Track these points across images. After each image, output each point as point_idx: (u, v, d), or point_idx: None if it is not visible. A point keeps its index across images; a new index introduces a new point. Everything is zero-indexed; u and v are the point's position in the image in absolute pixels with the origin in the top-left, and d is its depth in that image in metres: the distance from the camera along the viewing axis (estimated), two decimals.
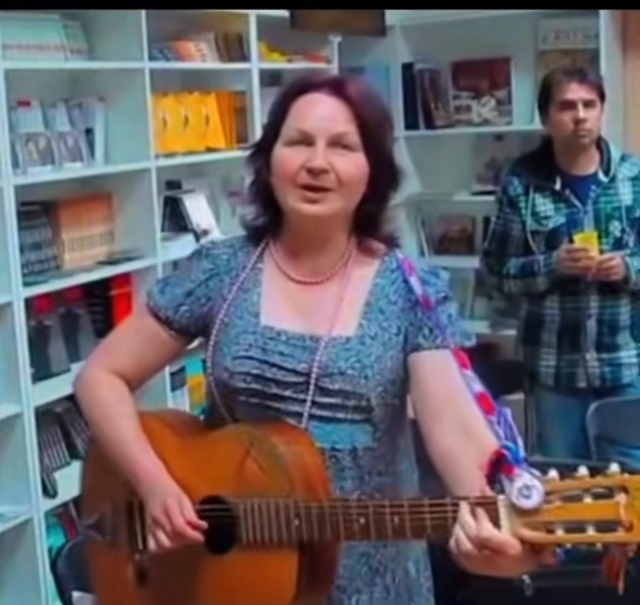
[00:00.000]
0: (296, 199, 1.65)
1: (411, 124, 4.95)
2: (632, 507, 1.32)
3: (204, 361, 1.77)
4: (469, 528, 1.38)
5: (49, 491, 3.09)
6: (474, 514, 1.39)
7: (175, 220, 3.77)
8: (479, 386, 1.61)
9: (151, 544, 1.67)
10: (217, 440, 1.69)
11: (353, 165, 1.65)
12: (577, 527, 1.34)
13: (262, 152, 1.71)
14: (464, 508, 1.40)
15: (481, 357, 4.99)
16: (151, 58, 3.44)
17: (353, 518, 1.50)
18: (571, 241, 3.29)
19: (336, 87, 1.67)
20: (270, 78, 4.29)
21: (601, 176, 3.34)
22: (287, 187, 1.65)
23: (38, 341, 3.14)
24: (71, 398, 1.78)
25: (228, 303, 1.73)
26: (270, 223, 1.75)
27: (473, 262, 3.96)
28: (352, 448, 1.68)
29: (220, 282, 1.75)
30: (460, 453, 1.56)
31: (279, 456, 1.59)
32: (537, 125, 3.46)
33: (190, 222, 3.76)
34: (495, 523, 1.37)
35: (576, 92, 3.25)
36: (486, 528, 1.37)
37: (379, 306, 1.70)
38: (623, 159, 3.38)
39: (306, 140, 1.64)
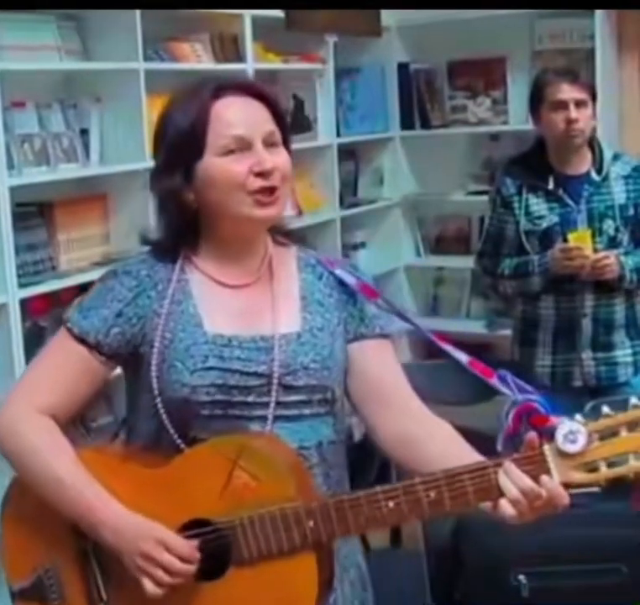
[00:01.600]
0: (249, 206, 1.62)
1: (406, 124, 4.96)
2: None
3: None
4: (524, 483, 1.44)
5: None
6: (523, 469, 1.45)
7: None
8: (465, 356, 1.74)
9: (148, 587, 1.54)
10: (190, 462, 1.60)
11: (286, 159, 1.67)
12: (619, 460, 1.43)
13: (178, 169, 1.65)
14: (512, 465, 1.46)
15: (477, 357, 4.95)
16: (146, 59, 3.44)
17: (380, 505, 1.50)
18: (565, 240, 3.30)
19: (247, 89, 1.67)
20: (265, 78, 4.29)
21: (594, 176, 3.34)
22: (238, 196, 1.62)
23: (33, 342, 3.13)
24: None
25: (165, 318, 1.66)
26: (186, 235, 1.70)
27: (469, 262, 3.96)
28: (318, 443, 1.67)
29: (148, 299, 1.68)
30: (420, 433, 1.64)
31: (272, 462, 1.56)
32: (532, 125, 3.46)
33: None
34: (546, 472, 1.45)
35: (567, 92, 3.26)
36: (544, 480, 1.44)
37: (315, 299, 1.72)
38: (616, 158, 3.39)
39: (242, 146, 1.62)
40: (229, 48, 3.91)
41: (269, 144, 1.64)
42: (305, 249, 1.80)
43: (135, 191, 3.41)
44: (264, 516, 1.53)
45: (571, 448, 1.43)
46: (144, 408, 1.67)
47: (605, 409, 1.44)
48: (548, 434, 1.46)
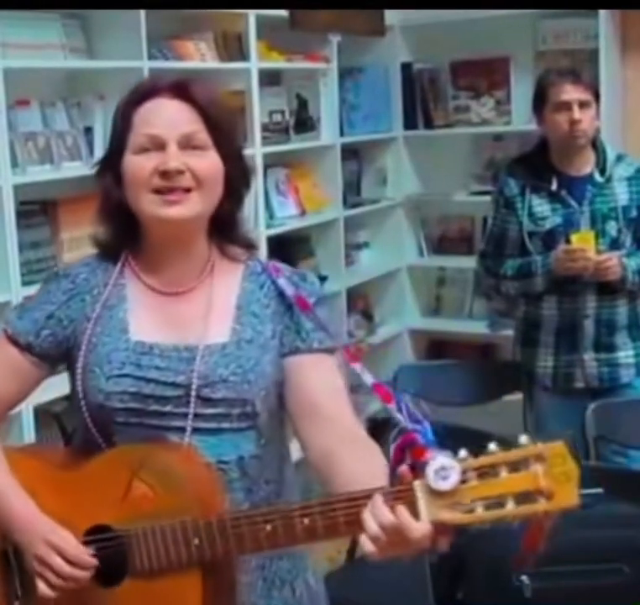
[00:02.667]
0: (153, 204, 1.60)
1: (410, 124, 4.95)
2: (550, 475, 1.29)
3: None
4: (384, 519, 1.33)
5: None
6: (389, 505, 1.34)
7: None
8: (370, 378, 1.60)
9: (41, 588, 1.58)
10: (97, 467, 1.62)
11: (208, 163, 1.62)
12: (497, 503, 1.30)
13: (109, 168, 1.67)
14: (378, 499, 1.35)
15: (479, 358, 4.96)
16: (150, 57, 3.44)
17: (259, 527, 1.44)
18: (568, 241, 3.30)
19: (178, 90, 1.64)
20: (269, 78, 4.29)
21: (597, 177, 3.34)
22: (141, 194, 1.61)
23: None
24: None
25: (94, 323, 1.66)
26: (125, 238, 1.70)
27: (471, 262, 3.96)
28: (238, 458, 1.64)
29: (82, 302, 1.69)
30: (342, 453, 1.54)
31: (171, 475, 1.54)
32: (535, 125, 3.46)
33: None
34: (413, 509, 1.33)
35: (571, 93, 3.26)
36: (405, 518, 1.32)
37: (251, 309, 1.68)
38: (619, 159, 3.39)
39: (156, 145, 1.61)
40: (233, 47, 3.91)
41: (188, 145, 1.61)
42: (256, 257, 1.75)
43: None
44: (156, 529, 1.52)
45: (442, 485, 1.31)
46: (78, 411, 1.67)
47: (491, 446, 1.33)
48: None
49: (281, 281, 1.69)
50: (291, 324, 1.68)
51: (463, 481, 1.31)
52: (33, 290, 3.03)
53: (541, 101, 3.34)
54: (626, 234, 3.37)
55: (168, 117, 1.62)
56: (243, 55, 3.93)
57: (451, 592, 2.68)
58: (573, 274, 3.28)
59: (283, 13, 4.04)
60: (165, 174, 1.59)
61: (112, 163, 1.66)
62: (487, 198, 3.76)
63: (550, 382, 3.47)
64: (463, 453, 1.34)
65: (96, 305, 1.68)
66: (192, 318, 1.66)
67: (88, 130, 3.38)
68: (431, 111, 4.95)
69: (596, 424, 3.21)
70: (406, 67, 4.92)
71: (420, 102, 4.95)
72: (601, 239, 3.32)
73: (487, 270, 3.54)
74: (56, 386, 2.97)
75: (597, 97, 3.35)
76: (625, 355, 3.43)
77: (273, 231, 4.15)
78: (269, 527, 1.44)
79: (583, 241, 3.26)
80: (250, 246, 1.75)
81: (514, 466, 1.31)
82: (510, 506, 1.29)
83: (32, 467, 1.68)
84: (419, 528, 1.32)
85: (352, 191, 4.92)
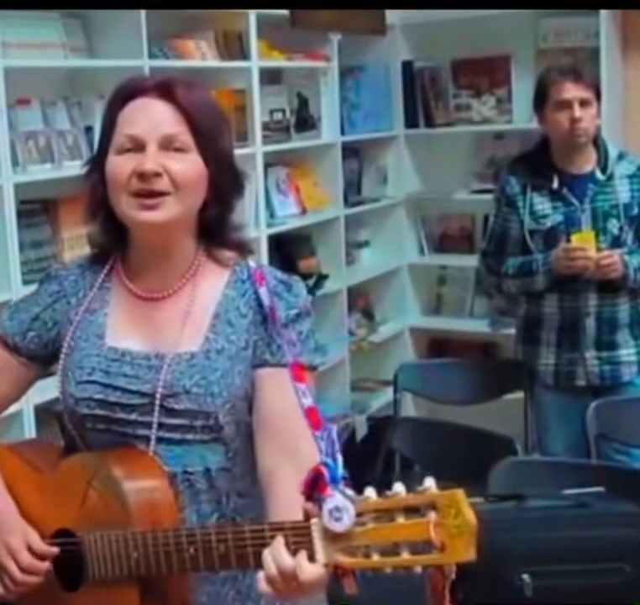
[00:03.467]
0: (131, 207, 1.57)
1: (410, 123, 4.95)
2: (443, 526, 1.22)
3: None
4: (282, 561, 1.29)
5: None
6: (288, 546, 1.30)
7: None
8: (309, 401, 1.51)
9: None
10: (65, 471, 1.63)
11: (187, 166, 1.58)
12: (391, 550, 1.23)
13: (96, 167, 1.64)
14: (280, 541, 1.31)
15: (481, 356, 4.96)
16: (151, 56, 3.43)
17: (183, 548, 1.42)
18: (569, 240, 3.30)
19: (163, 90, 1.60)
20: (269, 76, 4.29)
21: (599, 175, 3.34)
22: (121, 196, 1.58)
23: None
24: None
25: (75, 326, 1.66)
26: (114, 239, 1.68)
27: (472, 261, 3.96)
28: (205, 469, 1.61)
29: (67, 305, 1.69)
30: (283, 474, 1.49)
31: (117, 485, 1.53)
32: (536, 124, 3.46)
33: None
34: (310, 550, 1.28)
35: (572, 91, 3.26)
36: (300, 560, 1.28)
37: (227, 318, 1.63)
38: (620, 157, 3.39)
39: (137, 146, 1.58)
40: (234, 45, 3.91)
41: (169, 147, 1.58)
42: (244, 262, 1.69)
43: None
44: (105, 538, 1.51)
45: (335, 526, 1.25)
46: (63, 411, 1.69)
47: (397, 487, 1.25)
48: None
49: (262, 291, 1.63)
50: (265, 336, 1.62)
51: (361, 524, 1.25)
52: (33, 289, 3.06)
53: (542, 99, 3.34)
54: (627, 232, 3.37)
55: (150, 117, 1.59)
56: (243, 54, 3.93)
57: (451, 591, 2.68)
58: (573, 273, 3.28)
59: (284, 11, 4.03)
60: (141, 176, 1.56)
61: (99, 162, 1.64)
62: (488, 197, 3.76)
63: (552, 381, 3.47)
64: (369, 491, 1.27)
65: (79, 308, 1.68)
66: (168, 325, 1.63)
67: (89, 129, 3.37)
68: (432, 109, 4.95)
69: (598, 423, 3.21)
70: (406, 66, 4.92)
71: (421, 100, 4.94)
72: (603, 237, 3.32)
73: (488, 268, 3.54)
74: (57, 386, 2.97)
75: (598, 95, 3.35)
76: (626, 353, 3.43)
77: (274, 230, 4.15)
78: (191, 549, 1.41)
79: (583, 241, 3.26)
80: (243, 249, 1.70)
81: (410, 513, 1.23)
82: (405, 554, 1.23)
83: (16, 464, 1.70)
84: (312, 571, 1.28)
85: (353, 189, 4.92)
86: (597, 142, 3.38)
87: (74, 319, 1.67)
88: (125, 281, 1.68)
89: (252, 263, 1.69)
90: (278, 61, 4.22)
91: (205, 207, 1.63)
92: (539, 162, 3.40)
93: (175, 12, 3.59)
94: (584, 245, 3.25)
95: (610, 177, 3.34)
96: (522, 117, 4.68)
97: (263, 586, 1.31)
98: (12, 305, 1.78)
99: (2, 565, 1.60)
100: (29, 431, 2.97)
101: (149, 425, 1.60)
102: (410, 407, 4.56)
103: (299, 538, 1.30)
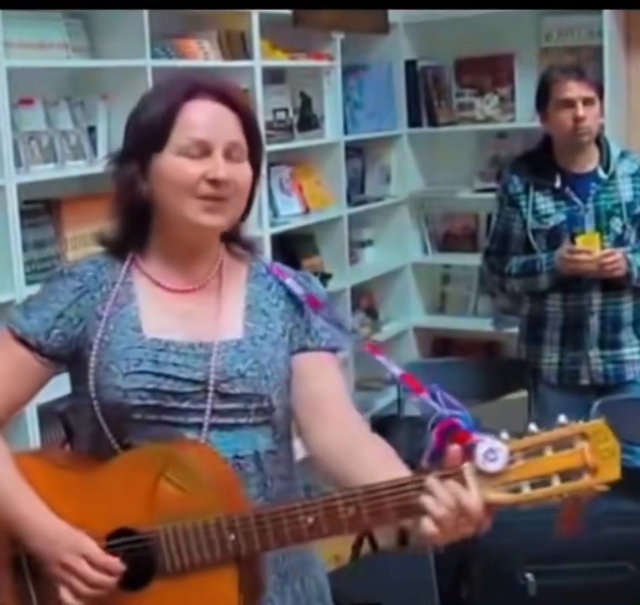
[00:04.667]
0: (196, 211, 1.60)
1: (414, 122, 4.95)
2: (596, 450, 1.38)
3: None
4: (449, 502, 1.38)
5: None
6: (445, 485, 1.39)
7: None
8: (398, 370, 1.65)
9: (64, 596, 1.55)
10: (117, 470, 1.60)
11: (246, 174, 1.64)
12: (542, 481, 1.37)
13: (136, 160, 1.63)
14: (435, 481, 1.40)
15: (484, 355, 4.96)
16: (153, 56, 3.44)
17: (299, 520, 1.46)
18: (572, 239, 3.29)
19: (223, 95, 1.63)
20: (272, 76, 4.29)
21: (601, 174, 3.34)
22: (185, 199, 1.60)
23: None
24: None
25: (105, 321, 1.65)
26: (135, 234, 1.69)
27: (476, 260, 3.96)
28: (254, 453, 1.65)
29: (91, 300, 1.67)
30: (352, 447, 1.58)
31: (197, 473, 1.54)
32: (539, 123, 3.45)
33: None
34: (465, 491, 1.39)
35: (574, 90, 3.25)
36: (467, 495, 1.38)
37: (260, 308, 1.70)
38: (623, 155, 3.39)
39: (203, 150, 1.60)
40: (236, 45, 3.91)
41: (231, 155, 1.61)
42: (258, 258, 1.78)
43: None
44: (188, 528, 1.52)
45: (491, 467, 1.38)
46: (85, 411, 1.66)
47: (532, 427, 1.40)
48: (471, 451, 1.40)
49: (289, 282, 1.72)
50: (301, 323, 1.71)
51: (510, 462, 1.37)
52: (37, 289, 3.06)
53: (544, 98, 3.33)
54: (630, 231, 3.36)
55: (215, 123, 1.61)
56: (246, 54, 3.93)
57: (456, 590, 2.68)
58: (577, 274, 3.28)
59: (286, 11, 4.03)
60: (213, 182, 1.59)
61: (141, 155, 1.63)
62: (491, 196, 3.76)
63: (555, 379, 3.46)
64: (505, 435, 1.39)
65: (106, 303, 1.66)
66: (201, 316, 1.67)
67: (92, 129, 3.38)
68: (435, 108, 4.95)
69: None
70: (409, 65, 4.92)
71: (424, 99, 4.95)
72: (606, 236, 3.32)
73: (492, 267, 3.54)
74: (60, 385, 3.00)
75: (601, 94, 3.35)
76: (630, 351, 3.42)
77: (277, 229, 4.15)
78: (311, 519, 1.46)
79: (588, 243, 3.25)
80: (250, 247, 1.77)
81: (558, 445, 1.37)
82: (556, 483, 1.36)
83: (43, 472, 1.65)
84: (475, 507, 1.38)
85: (356, 188, 4.92)
86: (600, 141, 3.38)
87: (102, 314, 1.66)
88: (152, 275, 1.69)
89: (264, 259, 1.78)
90: (281, 61, 4.23)
91: None
92: (542, 161, 3.39)
93: (177, 12, 3.60)
94: (589, 247, 3.24)
95: (612, 176, 3.34)
96: (525, 116, 4.68)
97: (431, 528, 1.39)
98: (21, 305, 1.73)
99: (72, 569, 1.55)
100: (33, 431, 2.98)
101: (201, 412, 1.62)
102: (414, 406, 4.55)
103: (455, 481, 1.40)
